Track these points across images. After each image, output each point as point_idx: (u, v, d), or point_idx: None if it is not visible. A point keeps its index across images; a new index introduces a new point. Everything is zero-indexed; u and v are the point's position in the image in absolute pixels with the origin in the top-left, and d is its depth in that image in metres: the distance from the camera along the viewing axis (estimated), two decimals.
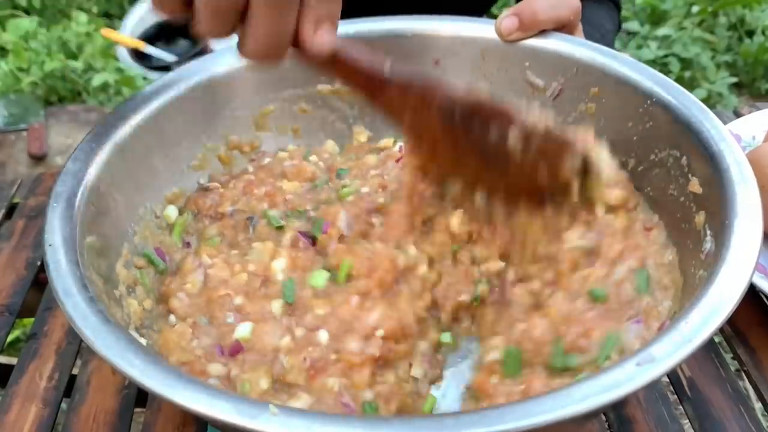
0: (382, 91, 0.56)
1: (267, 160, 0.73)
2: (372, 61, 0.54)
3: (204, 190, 0.70)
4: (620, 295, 0.57)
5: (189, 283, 0.60)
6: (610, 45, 0.96)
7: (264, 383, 0.52)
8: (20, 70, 2.56)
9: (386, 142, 0.77)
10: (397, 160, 0.71)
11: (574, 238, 0.59)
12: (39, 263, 0.79)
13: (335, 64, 0.53)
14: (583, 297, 0.56)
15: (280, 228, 0.65)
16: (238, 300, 0.58)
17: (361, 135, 0.78)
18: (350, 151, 0.77)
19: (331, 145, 0.77)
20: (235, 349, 0.55)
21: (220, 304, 0.58)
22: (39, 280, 0.78)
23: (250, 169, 0.74)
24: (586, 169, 0.58)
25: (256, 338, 0.55)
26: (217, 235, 0.66)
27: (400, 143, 0.76)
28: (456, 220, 0.62)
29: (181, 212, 0.68)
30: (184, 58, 2.46)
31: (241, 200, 0.68)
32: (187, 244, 0.66)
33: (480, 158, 0.58)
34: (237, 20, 0.48)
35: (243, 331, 0.56)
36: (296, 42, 0.49)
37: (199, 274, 0.60)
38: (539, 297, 0.59)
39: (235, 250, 0.63)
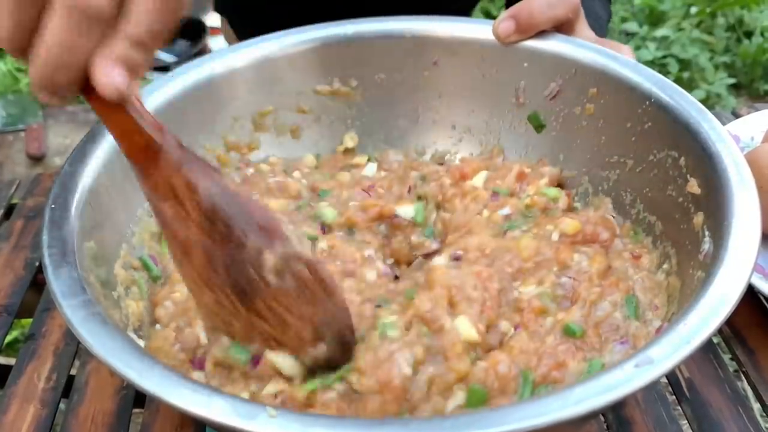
0: (156, 164, 0.47)
1: (250, 171, 0.72)
2: (159, 127, 0.47)
3: None
4: (602, 327, 0.55)
5: (178, 292, 0.59)
6: (604, 34, 0.96)
7: (246, 395, 0.52)
8: (18, 70, 2.56)
9: (359, 159, 0.77)
10: (365, 190, 0.70)
11: (531, 289, 0.58)
12: (37, 264, 0.79)
13: (117, 115, 0.45)
14: (554, 334, 0.54)
15: None
16: None
17: (350, 140, 0.78)
18: (326, 165, 0.76)
19: (310, 159, 0.76)
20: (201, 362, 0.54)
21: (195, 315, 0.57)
22: (37, 281, 0.77)
23: (237, 179, 0.73)
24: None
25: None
26: None
27: (372, 163, 0.76)
28: (468, 327, 0.54)
29: None
30: (183, 58, 2.46)
31: None
32: None
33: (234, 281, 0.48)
34: (36, 16, 0.40)
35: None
36: (86, 83, 0.42)
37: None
38: (503, 337, 0.56)
39: None
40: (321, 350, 0.51)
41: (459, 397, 0.50)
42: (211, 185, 0.47)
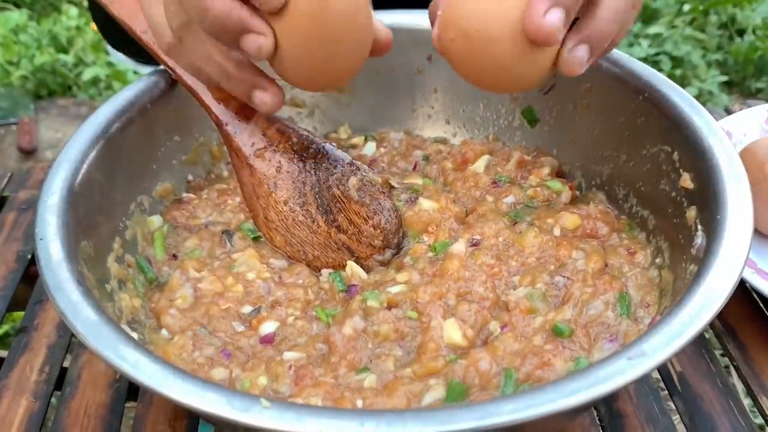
0: (248, 121, 0.63)
1: None
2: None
3: (178, 201, 0.69)
4: (593, 326, 0.55)
5: (180, 299, 0.59)
6: None
7: (263, 380, 0.52)
8: (10, 63, 2.55)
9: (357, 140, 0.77)
10: (367, 165, 0.70)
11: (520, 292, 0.57)
12: (29, 256, 0.79)
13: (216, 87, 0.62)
14: (541, 334, 0.54)
15: (256, 239, 0.65)
16: (246, 309, 0.58)
17: (344, 132, 0.78)
18: None
19: None
20: (269, 339, 0.56)
21: (222, 317, 0.57)
22: (29, 274, 0.77)
23: (225, 173, 0.73)
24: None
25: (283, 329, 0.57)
26: (197, 248, 0.65)
27: (371, 142, 0.76)
28: (455, 332, 0.55)
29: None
30: None
31: (216, 211, 0.68)
32: (174, 257, 0.65)
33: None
34: None
35: (269, 328, 0.57)
36: None
37: (187, 288, 0.59)
38: (489, 336, 0.56)
39: (218, 262, 0.63)
40: (386, 256, 0.64)
41: (437, 391, 0.50)
42: (299, 131, 0.64)
